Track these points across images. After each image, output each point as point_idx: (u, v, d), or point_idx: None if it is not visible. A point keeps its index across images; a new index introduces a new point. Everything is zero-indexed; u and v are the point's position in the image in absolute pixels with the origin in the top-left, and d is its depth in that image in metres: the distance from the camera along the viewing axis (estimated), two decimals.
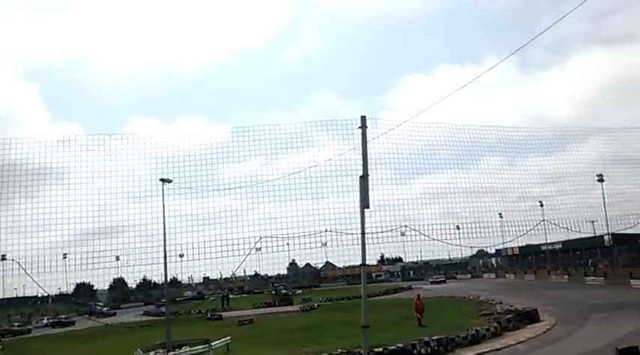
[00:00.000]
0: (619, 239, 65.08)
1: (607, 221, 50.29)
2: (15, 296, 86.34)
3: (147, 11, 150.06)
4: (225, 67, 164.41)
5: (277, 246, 38.06)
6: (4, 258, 36.07)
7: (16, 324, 62.81)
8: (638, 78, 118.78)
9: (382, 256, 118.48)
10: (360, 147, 13.32)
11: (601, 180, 48.56)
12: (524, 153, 44.14)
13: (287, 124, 45.45)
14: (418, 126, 35.40)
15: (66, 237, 36.74)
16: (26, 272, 33.19)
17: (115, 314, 67.37)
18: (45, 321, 65.16)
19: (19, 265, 33.38)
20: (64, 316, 68.83)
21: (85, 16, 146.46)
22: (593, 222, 52.40)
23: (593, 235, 60.49)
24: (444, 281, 79.94)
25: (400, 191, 40.17)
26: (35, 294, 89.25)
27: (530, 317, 28.32)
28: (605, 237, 63.48)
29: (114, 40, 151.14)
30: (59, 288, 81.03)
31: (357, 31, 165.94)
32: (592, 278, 56.17)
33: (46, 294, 65.18)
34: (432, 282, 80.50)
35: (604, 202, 48.18)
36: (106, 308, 77.33)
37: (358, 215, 12.75)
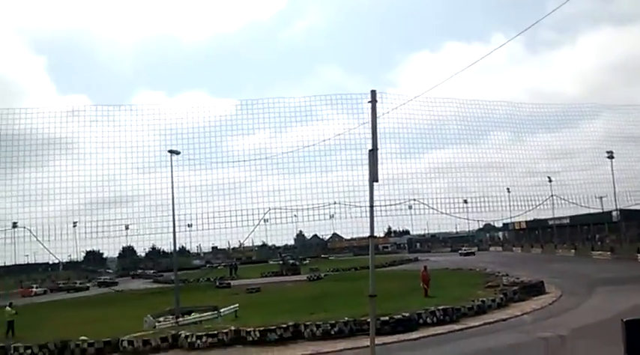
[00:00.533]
0: (627, 214, 64.88)
1: (615, 197, 50.25)
2: (26, 263, 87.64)
3: None
4: (229, 41, 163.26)
5: (285, 217, 38.39)
6: (15, 225, 36.55)
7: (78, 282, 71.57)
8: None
9: (389, 228, 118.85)
10: (370, 122, 13.30)
11: (611, 157, 48.27)
12: (532, 130, 44.06)
13: (293, 98, 45.38)
14: (427, 101, 35.37)
15: (76, 206, 37.33)
16: (37, 239, 33.78)
17: (117, 284, 68.61)
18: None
19: (30, 232, 33.92)
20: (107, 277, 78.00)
21: None
22: (601, 197, 52.37)
23: (601, 211, 60.49)
24: (474, 253, 79.59)
25: (408, 165, 40.43)
26: (46, 261, 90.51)
27: (536, 289, 28.48)
28: (614, 213, 63.35)
29: (119, 12, 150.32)
30: (69, 256, 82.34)
31: (363, 7, 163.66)
32: (599, 252, 56.27)
33: (56, 261, 66.45)
34: (461, 254, 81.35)
35: (613, 178, 48.06)
36: (109, 278, 78.65)
37: (366, 188, 12.74)
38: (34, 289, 67.04)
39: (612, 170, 47.86)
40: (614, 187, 48.61)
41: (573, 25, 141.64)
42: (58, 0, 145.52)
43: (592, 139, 45.05)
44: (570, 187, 42.18)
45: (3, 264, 70.42)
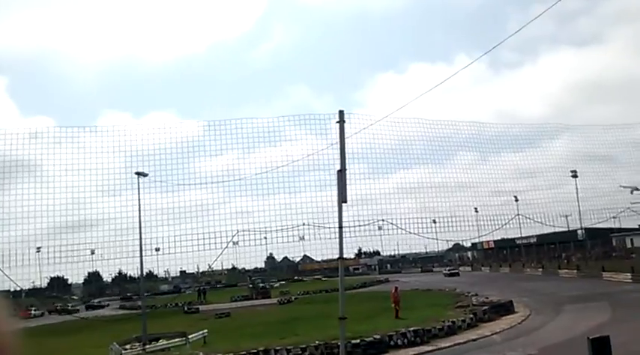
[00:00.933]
0: (592, 233, 66.36)
1: (580, 215, 51.31)
2: None
3: (115, 4, 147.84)
4: (195, 62, 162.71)
5: (255, 239, 37.95)
6: None
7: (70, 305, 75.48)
8: (602, 78, 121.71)
9: (360, 250, 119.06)
10: (338, 142, 13.35)
11: (575, 176, 49.33)
12: (497, 149, 44.69)
13: (261, 118, 45.43)
14: (395, 121, 35.56)
15: (39, 231, 36.24)
16: None
17: (77, 311, 67.79)
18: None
19: None
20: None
21: (53, 9, 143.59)
22: (567, 216, 53.37)
23: (567, 229, 61.64)
24: (458, 274, 74.51)
25: (377, 186, 40.58)
26: (7, 288, 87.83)
27: (505, 308, 28.73)
28: (579, 232, 64.67)
29: (83, 32, 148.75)
30: (33, 282, 79.86)
31: (329, 29, 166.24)
32: (565, 270, 57.11)
33: (19, 288, 64.44)
34: (445, 274, 76.12)
35: (577, 197, 49.07)
36: (70, 305, 77.80)
37: (336, 209, 12.80)
38: (33, 312, 68.62)
39: (577, 189, 48.88)
40: (579, 206, 49.65)
41: (534, 47, 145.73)
42: (20, 20, 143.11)
43: (556, 158, 46.08)
44: (536, 206, 42.97)
45: None
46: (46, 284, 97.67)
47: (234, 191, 40.30)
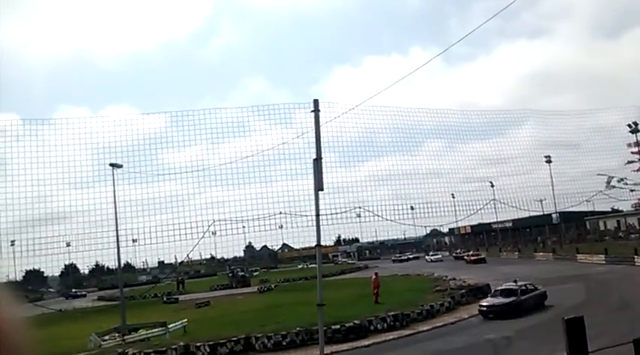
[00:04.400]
0: (566, 216, 67.57)
1: (554, 200, 52.26)
2: None
3: (61, 3, 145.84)
4: (147, 59, 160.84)
5: (232, 229, 37.96)
6: None
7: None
8: (554, 69, 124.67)
9: (339, 237, 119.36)
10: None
11: (549, 162, 50.15)
12: (464, 138, 45.32)
13: (225, 109, 44.99)
14: (363, 111, 35.73)
15: (10, 225, 35.81)
16: None
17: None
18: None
19: None
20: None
21: (4, 6, 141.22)
22: (541, 200, 54.31)
23: (542, 213, 62.70)
24: (441, 260, 71.39)
25: (351, 174, 40.99)
26: None
27: (482, 291, 29.11)
28: (553, 215, 65.82)
29: (32, 32, 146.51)
30: (7, 276, 78.72)
31: (278, 27, 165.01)
32: (541, 254, 58.13)
33: None
34: (428, 260, 74.43)
35: (552, 182, 49.97)
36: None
37: (312, 197, 12.83)
38: None
39: (551, 174, 49.75)
40: (553, 190, 50.55)
41: (485, 40, 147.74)
42: None
43: (524, 145, 46.88)
44: (510, 191, 43.69)
45: None
46: (21, 278, 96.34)
47: (207, 181, 40.37)
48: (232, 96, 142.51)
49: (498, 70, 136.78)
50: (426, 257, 77.87)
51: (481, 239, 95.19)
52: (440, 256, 75.75)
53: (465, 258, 63.71)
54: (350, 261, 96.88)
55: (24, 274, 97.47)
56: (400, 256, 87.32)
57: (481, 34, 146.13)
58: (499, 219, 69.86)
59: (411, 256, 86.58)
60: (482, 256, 62.16)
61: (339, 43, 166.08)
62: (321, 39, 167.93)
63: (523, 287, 23.98)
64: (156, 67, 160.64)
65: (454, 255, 77.25)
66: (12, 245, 37.99)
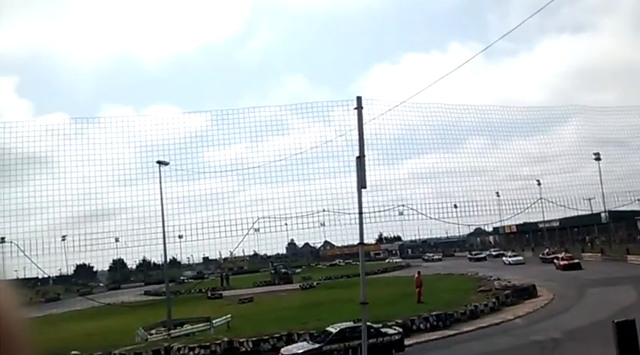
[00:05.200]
0: (616, 216, 65.42)
1: (603, 198, 50.67)
2: (16, 278, 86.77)
3: (104, 8, 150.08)
4: (188, 61, 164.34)
5: (275, 226, 38.20)
6: (3, 240, 36.17)
7: None
8: (598, 64, 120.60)
9: (381, 235, 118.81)
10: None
11: (598, 159, 48.66)
12: (508, 135, 44.27)
13: (265, 107, 45.40)
14: (403, 108, 35.27)
15: (62, 220, 37.04)
16: (25, 254, 33.39)
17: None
18: None
19: (18, 247, 33.56)
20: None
21: (54, 13, 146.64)
22: (590, 199, 52.73)
23: (590, 212, 60.89)
24: (523, 262, 58.46)
25: (392, 172, 40.52)
26: (35, 276, 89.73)
27: (528, 292, 28.61)
28: (602, 215, 63.84)
29: (79, 36, 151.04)
30: (59, 270, 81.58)
31: (315, 27, 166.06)
32: (589, 254, 56.54)
33: (46, 276, 65.84)
34: (470, 259, 72.02)
35: (600, 180, 48.46)
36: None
37: (353, 195, 12.86)
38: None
39: (600, 172, 48.24)
40: (602, 189, 49.04)
41: (525, 35, 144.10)
42: (26, 23, 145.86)
43: (570, 142, 45.51)
44: (556, 190, 42.49)
45: None
46: (72, 272, 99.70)
47: (249, 179, 40.55)
48: (271, 95, 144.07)
49: (541, 65, 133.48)
50: (503, 259, 63.28)
51: (527, 238, 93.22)
52: (521, 258, 60.52)
53: (555, 261, 50.32)
54: (396, 260, 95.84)
55: (74, 268, 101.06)
56: (477, 255, 76.62)
57: (521, 29, 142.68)
58: (546, 218, 68.14)
59: (490, 255, 74.31)
60: (577, 260, 49.02)
61: (377, 41, 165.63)
62: (358, 37, 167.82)
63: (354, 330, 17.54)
64: (197, 68, 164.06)
65: (541, 256, 59.49)
66: (63, 240, 39.15)
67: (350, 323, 18.37)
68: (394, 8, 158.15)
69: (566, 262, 47.34)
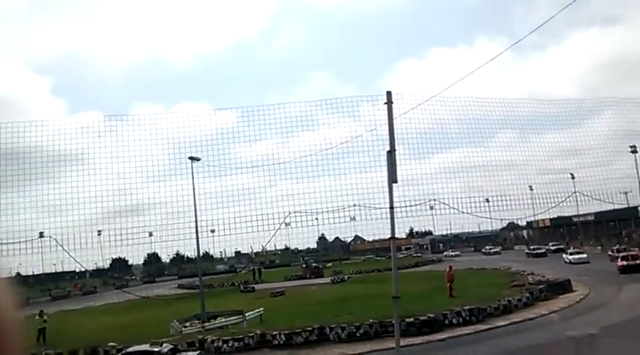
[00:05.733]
0: None
1: None
2: (54, 271, 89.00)
3: (133, 10, 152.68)
4: (215, 59, 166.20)
5: (306, 220, 38.48)
6: (42, 235, 37.17)
7: None
8: (630, 57, 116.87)
9: (411, 229, 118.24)
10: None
11: (634, 152, 47.59)
12: (538, 128, 43.58)
13: (293, 103, 45.38)
14: (431, 102, 35.03)
15: (97, 216, 38.03)
16: (63, 248, 34.35)
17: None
18: None
19: (57, 241, 34.51)
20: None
21: (85, 15, 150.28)
22: (626, 192, 51.51)
23: (627, 206, 59.48)
24: (587, 261, 48.72)
25: (421, 167, 40.33)
26: (73, 269, 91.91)
27: (563, 287, 28.18)
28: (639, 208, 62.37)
29: (110, 36, 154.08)
30: (95, 263, 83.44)
31: (340, 22, 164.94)
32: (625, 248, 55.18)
33: (83, 269, 67.46)
34: (528, 254, 63.46)
35: (637, 173, 47.40)
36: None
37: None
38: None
39: (637, 164, 47.17)
40: (639, 182, 47.91)
41: (554, 28, 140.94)
42: (58, 25, 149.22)
43: (604, 135, 44.53)
44: (591, 183, 41.70)
45: (32, 273, 71.86)
46: (108, 266, 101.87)
47: (279, 175, 40.97)
48: (298, 91, 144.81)
49: (570, 58, 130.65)
50: (564, 256, 53.35)
51: (561, 232, 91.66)
52: (584, 256, 50.53)
53: (483, 250, 44.52)
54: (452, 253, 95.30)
55: (110, 262, 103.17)
56: (536, 249, 66.13)
57: (549, 23, 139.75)
58: (580, 212, 66.75)
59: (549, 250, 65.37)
60: (544, 251, 48.02)
61: (403, 37, 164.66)
62: (384, 33, 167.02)
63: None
64: (224, 66, 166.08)
65: (610, 253, 48.49)
66: (99, 234, 40.12)
67: (147, 347, 17.11)
68: (420, 3, 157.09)
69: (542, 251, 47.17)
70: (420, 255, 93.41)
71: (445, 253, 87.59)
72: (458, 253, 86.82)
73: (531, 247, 68.99)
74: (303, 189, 39.28)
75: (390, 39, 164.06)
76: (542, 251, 63.86)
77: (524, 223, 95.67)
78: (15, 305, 1.23)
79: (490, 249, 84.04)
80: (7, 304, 1.20)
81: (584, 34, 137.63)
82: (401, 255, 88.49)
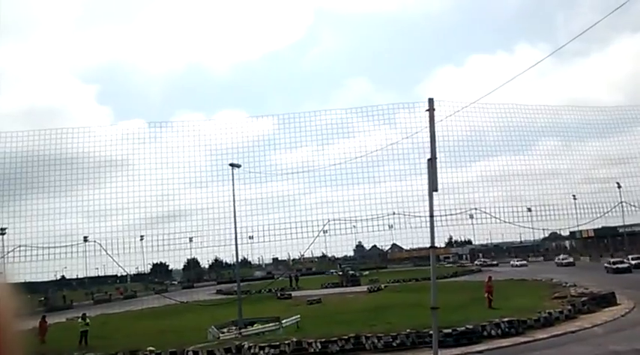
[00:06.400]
0: None
1: None
2: (97, 275, 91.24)
3: (175, 20, 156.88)
4: (253, 68, 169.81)
5: (344, 228, 38.38)
6: (86, 239, 38.17)
7: None
8: None
9: (450, 238, 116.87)
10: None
11: None
12: (584, 136, 42.44)
13: (332, 109, 45.49)
14: (470, 109, 34.57)
15: (139, 221, 38.78)
16: (107, 253, 35.08)
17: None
18: None
19: (100, 246, 35.33)
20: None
21: (126, 26, 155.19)
22: None
23: None
24: (630, 270, 48.19)
25: (460, 175, 39.72)
26: (115, 273, 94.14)
27: (606, 300, 27.35)
28: None
29: (153, 47, 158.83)
30: (137, 268, 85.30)
31: (377, 30, 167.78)
32: None
33: (125, 273, 68.89)
34: (607, 270, 52.16)
35: None
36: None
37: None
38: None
39: None
40: None
41: (597, 34, 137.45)
42: (103, 36, 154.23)
43: None
44: (638, 193, 40.38)
45: (76, 277, 73.86)
46: (149, 270, 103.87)
47: (317, 182, 40.95)
48: (335, 98, 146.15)
49: (614, 65, 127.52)
50: (555, 261, 51.85)
51: (605, 244, 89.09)
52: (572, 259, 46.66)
53: (556, 261, 38.77)
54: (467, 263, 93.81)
55: (151, 267, 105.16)
56: (617, 263, 52.90)
57: (591, 29, 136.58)
58: (626, 223, 64.77)
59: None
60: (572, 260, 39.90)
61: (441, 44, 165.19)
62: (421, 40, 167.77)
63: None
64: (263, 74, 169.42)
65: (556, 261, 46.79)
66: (141, 240, 40.92)
67: None
68: (457, 10, 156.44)
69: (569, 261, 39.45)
70: (462, 264, 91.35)
71: (511, 262, 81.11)
72: (524, 262, 79.40)
73: (612, 261, 54.95)
74: (341, 197, 39.27)
75: (427, 45, 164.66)
76: (626, 265, 51.78)
77: (567, 233, 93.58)
78: (16, 310, 1.24)
79: (563, 259, 71.78)
80: (8, 309, 1.21)
81: (628, 39, 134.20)
82: (447, 265, 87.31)
